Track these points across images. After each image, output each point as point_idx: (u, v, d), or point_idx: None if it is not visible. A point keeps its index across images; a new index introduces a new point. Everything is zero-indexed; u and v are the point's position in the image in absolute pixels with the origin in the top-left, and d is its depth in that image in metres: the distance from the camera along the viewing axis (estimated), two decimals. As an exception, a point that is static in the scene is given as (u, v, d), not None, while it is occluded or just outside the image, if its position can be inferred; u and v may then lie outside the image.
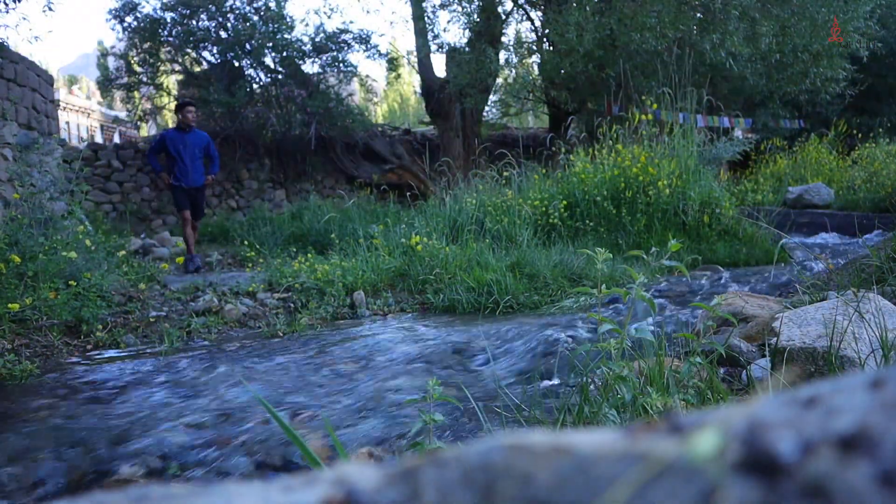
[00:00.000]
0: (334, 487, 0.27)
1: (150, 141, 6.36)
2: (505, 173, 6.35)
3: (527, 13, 12.48)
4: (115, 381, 2.48)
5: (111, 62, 12.66)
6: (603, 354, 1.42)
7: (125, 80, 12.00)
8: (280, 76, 11.83)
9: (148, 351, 2.99)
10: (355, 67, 12.58)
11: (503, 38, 12.19)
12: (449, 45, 12.05)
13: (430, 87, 12.36)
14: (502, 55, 11.92)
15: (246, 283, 4.06)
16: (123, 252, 4.52)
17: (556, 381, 2.13)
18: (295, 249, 6.31)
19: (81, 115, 29.59)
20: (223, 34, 11.39)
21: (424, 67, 12.65)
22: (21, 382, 2.48)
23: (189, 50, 11.77)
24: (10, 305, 2.88)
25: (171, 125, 15.01)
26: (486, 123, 14.15)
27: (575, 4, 9.36)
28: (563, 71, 9.62)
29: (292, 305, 3.83)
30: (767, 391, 1.33)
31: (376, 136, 12.86)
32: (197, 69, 12.19)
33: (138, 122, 12.50)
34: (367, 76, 14.02)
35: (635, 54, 8.83)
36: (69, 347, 3.02)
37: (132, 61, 11.91)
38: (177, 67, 12.23)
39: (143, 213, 11.17)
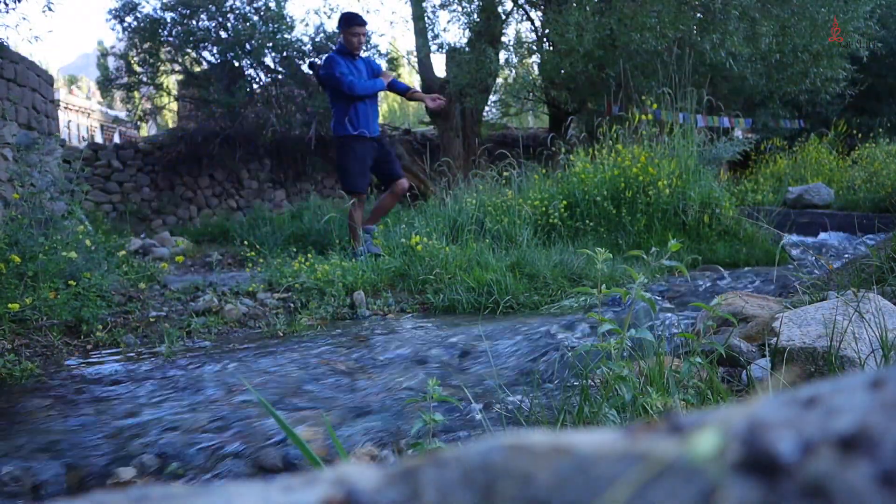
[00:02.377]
0: (334, 487, 0.27)
1: (322, 70, 4.77)
2: (505, 173, 6.35)
3: (527, 13, 12.48)
4: (115, 382, 2.48)
5: (111, 62, 12.67)
6: (603, 354, 1.42)
7: (125, 80, 12.00)
8: (280, 76, 11.83)
9: (148, 351, 2.99)
10: (355, 67, 12.56)
11: (503, 38, 12.19)
12: (449, 45, 12.05)
13: (430, 87, 12.35)
14: (502, 55, 11.92)
15: (246, 283, 4.06)
16: (123, 252, 4.51)
17: (556, 381, 2.13)
18: (295, 249, 6.30)
19: (81, 115, 29.60)
20: (223, 34, 11.39)
21: (424, 67, 12.64)
22: (21, 382, 2.48)
23: (189, 50, 11.77)
24: (10, 305, 2.88)
25: (170, 124, 14.84)
26: (486, 123, 14.14)
27: (575, 4, 9.35)
28: (563, 71, 9.62)
29: (292, 305, 3.83)
30: (767, 391, 1.33)
31: (376, 136, 12.84)
32: (197, 69, 12.20)
33: (138, 122, 12.50)
34: (367, 76, 14.00)
35: (635, 54, 8.83)
36: (69, 347, 3.02)
37: (132, 61, 11.91)
38: (177, 67, 12.23)
39: (143, 213, 11.17)
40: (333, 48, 4.94)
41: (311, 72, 5.01)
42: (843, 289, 2.19)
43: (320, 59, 4.95)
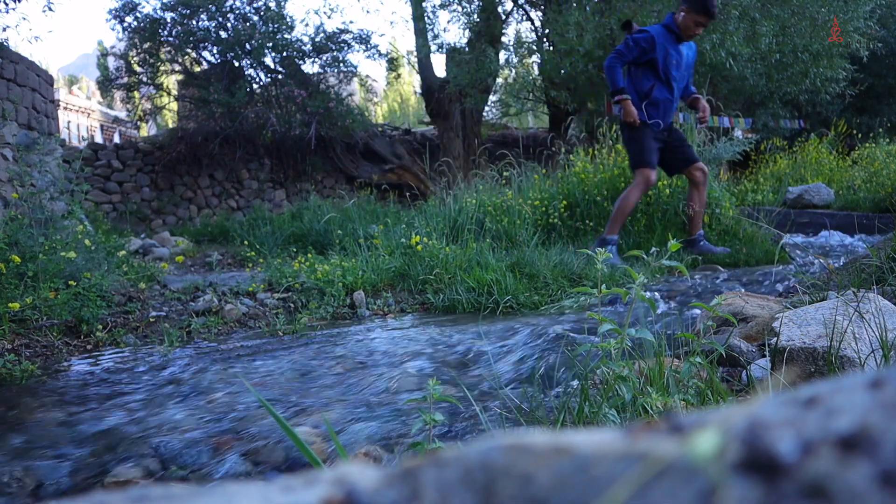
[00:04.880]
0: (334, 487, 0.27)
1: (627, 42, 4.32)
2: (505, 173, 6.36)
3: (527, 13, 12.49)
4: (114, 382, 2.48)
5: (111, 62, 12.68)
6: (603, 354, 1.42)
7: (125, 80, 12.01)
8: (280, 76, 11.84)
9: (148, 351, 2.99)
10: (355, 67, 12.60)
11: (503, 38, 12.20)
12: (449, 45, 12.06)
13: (430, 87, 12.37)
14: (502, 55, 11.93)
15: (246, 283, 4.06)
16: (123, 252, 4.51)
17: (556, 382, 2.13)
18: (295, 249, 6.31)
19: (81, 115, 29.59)
20: (223, 34, 11.40)
21: (424, 67, 12.65)
22: (21, 383, 2.48)
23: (189, 50, 11.79)
24: (10, 305, 2.88)
25: (170, 124, 14.69)
26: (486, 123, 14.16)
27: (575, 4, 9.36)
28: (563, 71, 9.62)
29: (292, 305, 3.83)
30: (767, 391, 1.33)
31: (376, 136, 12.87)
32: (197, 69, 12.21)
33: (138, 122, 12.51)
34: (367, 76, 14.04)
35: (635, 54, 8.82)
36: (69, 347, 3.02)
37: (132, 61, 11.92)
38: (177, 67, 12.24)
39: (143, 213, 11.18)
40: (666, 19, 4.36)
41: (624, 31, 4.47)
42: (843, 289, 2.19)
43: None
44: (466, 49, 11.28)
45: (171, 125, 14.91)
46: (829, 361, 1.57)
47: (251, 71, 11.84)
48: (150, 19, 11.29)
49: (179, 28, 11.36)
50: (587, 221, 5.39)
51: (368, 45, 12.51)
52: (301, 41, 11.97)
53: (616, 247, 4.49)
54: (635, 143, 4.45)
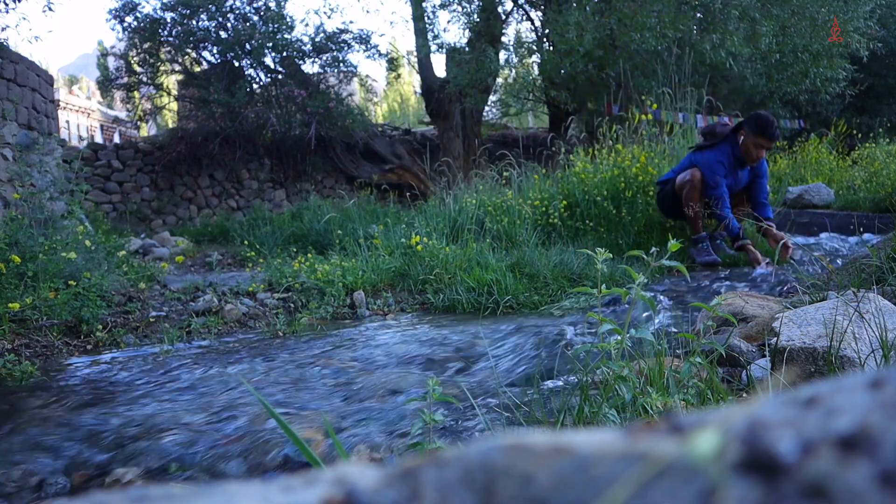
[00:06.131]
0: (334, 487, 0.27)
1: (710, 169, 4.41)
2: (505, 173, 6.36)
3: (527, 13, 12.49)
4: (114, 382, 2.48)
5: (111, 62, 12.67)
6: (603, 354, 1.42)
7: (125, 80, 12.00)
8: (280, 76, 11.83)
9: (148, 351, 2.99)
10: (355, 67, 12.59)
11: (503, 38, 12.20)
12: (449, 45, 12.06)
13: (430, 87, 12.37)
14: (502, 55, 11.92)
15: (246, 283, 4.06)
16: (123, 252, 4.51)
17: (556, 381, 2.13)
18: (295, 249, 6.30)
19: (81, 115, 29.59)
20: (223, 34, 11.40)
21: (424, 67, 12.65)
22: (21, 383, 2.48)
23: (189, 50, 11.78)
24: (10, 305, 2.88)
25: (170, 124, 14.74)
26: (486, 123, 14.15)
27: (575, 4, 9.37)
28: (563, 71, 9.62)
29: (292, 305, 3.83)
30: (767, 391, 1.33)
31: (376, 136, 12.87)
32: (197, 69, 12.20)
33: (138, 122, 12.50)
34: (367, 76, 14.04)
35: (635, 54, 8.84)
36: (69, 347, 3.02)
37: (132, 61, 11.91)
38: (177, 67, 12.24)
39: (143, 213, 11.18)
40: (725, 144, 4.43)
41: (707, 137, 4.63)
42: (843, 289, 2.19)
43: (721, 122, 4.68)
44: (466, 49, 11.28)
45: (171, 125, 14.90)
46: (829, 361, 1.57)
47: (251, 71, 11.83)
48: (150, 19, 11.28)
49: (179, 28, 11.35)
50: (587, 221, 5.39)
51: (368, 45, 12.51)
52: (301, 41, 11.97)
53: (707, 241, 4.61)
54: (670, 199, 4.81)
